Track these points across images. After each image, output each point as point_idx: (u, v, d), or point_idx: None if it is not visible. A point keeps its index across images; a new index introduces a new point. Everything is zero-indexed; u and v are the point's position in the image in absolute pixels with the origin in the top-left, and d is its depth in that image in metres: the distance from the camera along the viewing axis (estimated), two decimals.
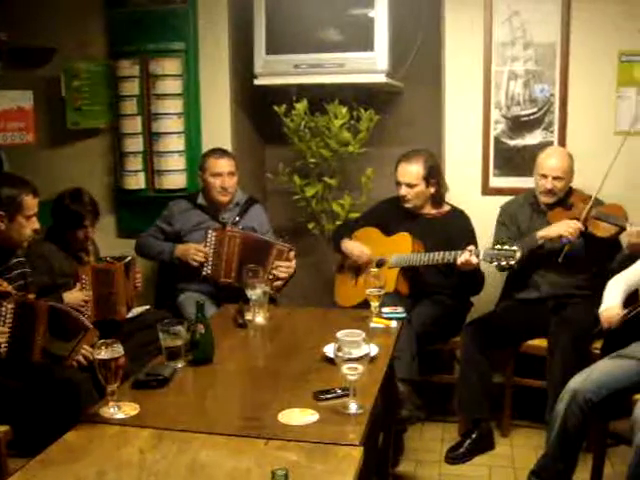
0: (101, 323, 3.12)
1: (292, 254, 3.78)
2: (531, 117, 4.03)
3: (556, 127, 4.01)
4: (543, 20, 3.96)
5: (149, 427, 2.03)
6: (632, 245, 3.40)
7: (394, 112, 4.45)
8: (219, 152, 3.91)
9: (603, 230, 3.56)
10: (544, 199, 3.71)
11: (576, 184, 3.74)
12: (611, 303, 3.16)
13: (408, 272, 3.73)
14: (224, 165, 3.86)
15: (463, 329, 3.66)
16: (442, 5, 4.08)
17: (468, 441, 3.51)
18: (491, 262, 3.42)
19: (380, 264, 3.73)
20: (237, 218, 3.92)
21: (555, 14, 3.93)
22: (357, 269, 3.88)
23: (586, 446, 3.19)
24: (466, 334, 3.61)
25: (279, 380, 2.42)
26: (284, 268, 3.75)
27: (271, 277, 3.68)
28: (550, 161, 3.68)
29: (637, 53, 3.89)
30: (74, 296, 3.20)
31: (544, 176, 3.67)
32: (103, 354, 2.11)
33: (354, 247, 3.88)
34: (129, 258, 3.42)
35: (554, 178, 3.64)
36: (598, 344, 3.43)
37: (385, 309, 3.04)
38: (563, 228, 3.53)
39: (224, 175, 3.84)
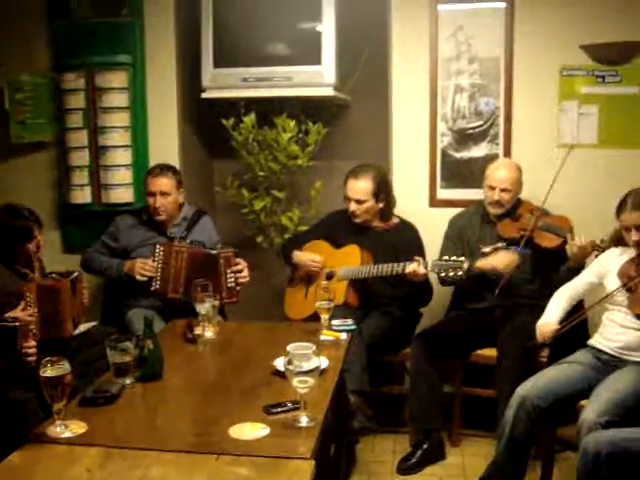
0: (47, 341, 3.05)
1: (238, 260, 3.77)
2: (477, 130, 4.10)
3: (501, 139, 4.08)
4: (487, 35, 4.03)
5: (97, 445, 2.00)
6: (575, 256, 3.48)
7: (342, 125, 4.48)
8: (157, 170, 3.85)
9: (549, 241, 3.62)
10: (493, 210, 3.76)
11: (523, 195, 3.80)
12: (549, 318, 3.25)
13: (357, 284, 3.74)
14: (157, 184, 3.80)
15: (413, 340, 3.68)
16: (388, 19, 4.12)
17: (419, 452, 3.53)
18: (439, 273, 3.46)
19: (329, 277, 3.75)
20: (185, 232, 3.88)
21: (498, 29, 4.01)
22: (307, 282, 3.88)
23: (534, 452, 3.24)
24: (416, 345, 3.64)
25: (229, 395, 2.41)
26: (240, 273, 3.74)
27: (233, 285, 3.69)
28: (498, 173, 3.73)
29: (578, 68, 3.99)
30: (19, 315, 3.12)
31: (492, 188, 3.72)
32: (49, 372, 2.07)
33: (306, 256, 3.88)
34: (75, 274, 3.37)
35: (502, 190, 3.69)
36: (545, 352, 3.50)
37: (335, 321, 3.05)
38: (499, 262, 3.56)
39: (156, 195, 3.79)
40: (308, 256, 3.87)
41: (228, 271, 3.72)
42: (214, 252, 3.77)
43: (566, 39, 3.96)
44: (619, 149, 3.98)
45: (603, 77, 3.99)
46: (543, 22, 3.97)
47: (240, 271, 3.76)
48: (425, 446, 3.54)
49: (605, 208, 3.29)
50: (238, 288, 3.74)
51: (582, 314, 3.21)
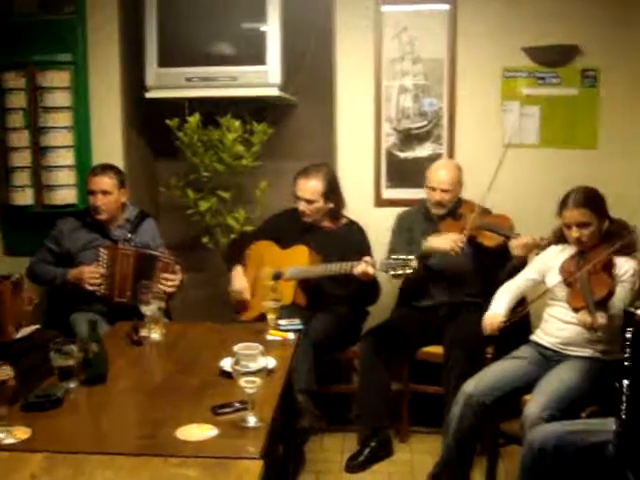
0: None
1: (177, 267, 3.72)
2: (421, 130, 4.15)
3: (445, 140, 4.14)
4: (431, 36, 4.09)
5: (42, 451, 1.96)
6: (517, 254, 3.54)
7: (288, 125, 4.48)
8: (99, 169, 3.79)
9: (490, 239, 3.68)
10: (434, 211, 3.81)
11: (467, 195, 3.86)
12: (495, 311, 3.30)
13: (305, 284, 3.75)
14: (98, 183, 3.73)
15: (361, 339, 3.71)
16: (333, 20, 4.15)
17: (367, 449, 3.55)
18: (387, 271, 3.48)
19: (277, 277, 3.74)
20: (129, 235, 3.82)
21: (442, 31, 4.07)
22: (254, 282, 3.87)
23: (480, 447, 3.30)
24: (363, 344, 3.66)
25: (177, 396, 2.39)
26: (170, 282, 3.67)
27: (157, 291, 3.57)
28: (438, 174, 3.78)
29: (519, 69, 4.08)
30: None
31: (433, 189, 3.77)
32: None
33: (237, 283, 3.85)
34: (17, 276, 3.30)
35: (442, 191, 3.74)
36: (490, 349, 3.56)
37: (282, 321, 3.05)
38: (447, 243, 3.62)
39: (97, 193, 3.73)
40: (239, 284, 3.84)
41: (161, 275, 3.67)
42: (155, 253, 3.73)
43: (508, 41, 4.05)
44: (559, 149, 4.09)
45: (543, 78, 4.08)
46: (485, 25, 4.05)
47: (169, 281, 3.69)
48: (373, 444, 3.56)
49: (545, 207, 3.35)
50: (163, 297, 3.60)
51: (526, 307, 3.28)
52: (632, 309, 2.10)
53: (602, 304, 2.90)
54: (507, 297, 3.37)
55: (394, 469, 3.53)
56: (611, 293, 2.94)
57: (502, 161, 3.65)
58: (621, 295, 2.99)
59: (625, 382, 2.11)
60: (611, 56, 4.01)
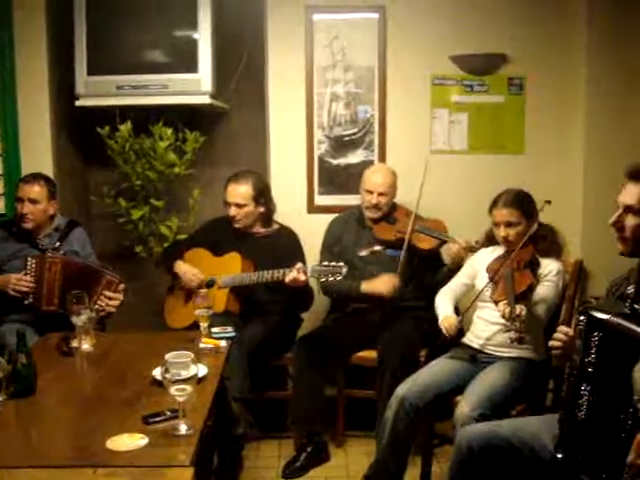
0: None
1: (121, 286, 3.65)
2: (352, 137, 4.19)
3: (376, 146, 4.19)
4: (361, 45, 4.14)
5: None
6: (452, 258, 3.60)
7: (220, 133, 4.48)
8: (30, 177, 3.71)
9: (426, 243, 3.74)
10: (370, 214, 3.85)
11: (397, 200, 3.92)
12: (446, 313, 3.34)
13: (239, 291, 3.75)
14: (26, 191, 3.65)
15: (294, 345, 3.72)
16: (265, 29, 4.16)
17: (304, 455, 3.56)
18: (318, 278, 3.52)
19: (210, 285, 3.73)
20: (57, 243, 3.76)
21: (372, 39, 4.13)
22: (188, 290, 3.85)
23: (414, 448, 3.34)
24: (297, 350, 3.68)
25: (107, 407, 2.36)
26: (113, 301, 3.60)
27: (97, 307, 3.47)
28: (375, 177, 3.83)
29: (447, 77, 4.16)
30: None
31: (369, 192, 3.81)
32: None
33: (187, 270, 3.84)
34: None
35: (379, 194, 3.79)
36: (424, 352, 3.61)
37: (215, 329, 3.05)
38: (383, 287, 3.69)
39: (25, 201, 3.65)
40: (191, 270, 3.83)
41: (104, 293, 3.61)
42: (101, 269, 3.67)
43: (437, 50, 4.13)
44: (487, 154, 4.18)
45: (471, 86, 4.17)
46: (415, 33, 4.12)
47: (112, 300, 3.62)
48: (309, 449, 3.57)
49: (475, 211, 3.44)
50: (102, 314, 3.54)
51: (463, 314, 3.34)
52: (600, 314, 2.12)
53: (522, 297, 2.99)
54: (448, 301, 3.43)
55: (330, 473, 3.56)
56: (531, 287, 3.03)
57: (427, 167, 3.73)
58: (544, 294, 3.08)
59: (586, 387, 2.13)
60: (536, 64, 4.13)
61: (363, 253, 3.82)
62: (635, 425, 1.92)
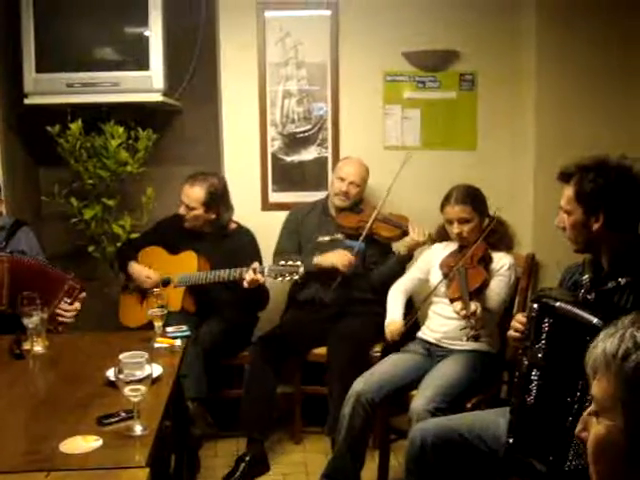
0: None
1: (82, 295, 3.47)
2: (306, 134, 4.20)
3: (329, 143, 4.20)
4: (314, 42, 4.15)
5: None
6: (410, 247, 3.63)
7: (174, 131, 4.43)
8: None
9: (388, 231, 3.77)
10: (338, 202, 3.85)
11: None
12: (394, 317, 3.37)
13: (194, 290, 3.73)
14: None
15: (251, 348, 3.70)
16: (217, 26, 4.14)
17: (242, 465, 3.46)
18: (275, 278, 3.51)
19: (166, 283, 3.71)
20: (3, 243, 3.68)
21: (324, 36, 4.14)
22: (143, 289, 3.81)
23: (372, 443, 3.36)
24: (252, 352, 3.66)
25: (60, 410, 2.32)
26: (72, 309, 3.39)
27: (57, 313, 3.31)
28: (350, 166, 3.86)
29: (399, 74, 4.18)
30: None
31: (342, 179, 3.82)
32: None
33: (141, 271, 3.81)
34: None
35: (350, 183, 3.80)
36: (379, 347, 3.63)
37: (169, 328, 3.01)
38: (337, 259, 3.69)
39: None
40: (144, 272, 3.79)
41: (64, 299, 3.50)
42: (63, 274, 3.54)
43: (389, 46, 4.15)
44: (439, 150, 4.22)
45: (424, 82, 4.20)
46: (367, 30, 4.14)
47: (71, 307, 3.45)
48: (247, 458, 3.48)
49: (428, 206, 3.48)
50: (59, 319, 3.35)
51: (418, 310, 3.37)
52: (550, 301, 2.17)
53: (476, 293, 3.03)
54: (399, 300, 3.45)
55: (288, 470, 3.56)
56: (485, 283, 3.07)
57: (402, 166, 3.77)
58: (498, 288, 3.13)
59: (536, 372, 2.17)
60: (487, 60, 4.18)
61: (324, 239, 3.83)
62: (580, 409, 1.96)
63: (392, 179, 3.80)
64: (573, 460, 1.95)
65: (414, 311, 3.40)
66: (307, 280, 3.76)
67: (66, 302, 3.38)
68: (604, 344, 1.21)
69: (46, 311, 2.91)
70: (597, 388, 1.22)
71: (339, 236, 3.84)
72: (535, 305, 2.21)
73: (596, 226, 2.21)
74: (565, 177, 2.28)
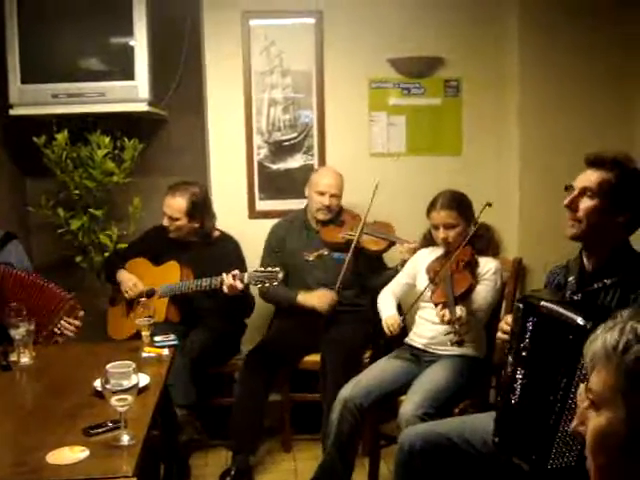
0: None
1: (81, 314, 3.44)
2: (292, 142, 4.21)
3: (315, 150, 4.22)
4: (298, 50, 4.16)
5: None
6: (403, 261, 3.63)
7: (160, 141, 4.43)
8: None
9: (375, 244, 3.77)
10: (321, 216, 3.84)
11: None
12: (389, 312, 3.37)
13: (178, 300, 3.73)
14: None
15: (243, 363, 3.67)
16: (202, 35, 4.15)
17: (227, 479, 3.45)
18: (256, 284, 3.51)
19: (150, 294, 3.70)
20: None
21: (309, 44, 4.15)
22: (130, 300, 3.80)
23: (362, 449, 3.36)
24: (244, 367, 3.64)
25: (48, 421, 2.32)
26: (73, 328, 3.35)
27: (56, 330, 3.30)
28: (326, 179, 3.83)
29: (385, 80, 4.20)
30: None
31: (321, 193, 3.80)
32: None
33: (129, 279, 3.80)
34: None
35: (331, 195, 3.80)
36: (368, 353, 3.64)
37: (157, 338, 3.02)
38: (318, 302, 3.70)
39: None
40: (131, 280, 3.79)
41: (64, 317, 3.47)
42: (64, 293, 3.51)
43: (374, 53, 4.18)
44: (425, 156, 4.24)
45: (409, 89, 4.22)
46: (351, 37, 4.16)
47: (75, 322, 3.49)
48: (232, 473, 3.46)
49: (414, 212, 3.49)
50: (55, 338, 3.33)
51: (406, 314, 3.37)
52: (535, 300, 2.18)
53: (462, 298, 3.04)
54: (391, 300, 3.45)
55: (279, 477, 3.56)
56: (471, 288, 3.08)
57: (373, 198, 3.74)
58: (484, 292, 3.14)
59: (521, 371, 2.18)
60: (471, 67, 4.21)
61: (310, 257, 3.83)
62: (563, 408, 1.97)
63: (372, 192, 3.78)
64: (556, 459, 1.96)
65: (407, 312, 3.39)
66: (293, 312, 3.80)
67: (67, 321, 3.35)
68: (603, 337, 1.22)
69: (33, 322, 2.89)
70: (596, 380, 1.23)
71: (325, 252, 3.85)
72: (520, 305, 2.23)
73: (621, 219, 2.21)
74: (600, 163, 2.26)
